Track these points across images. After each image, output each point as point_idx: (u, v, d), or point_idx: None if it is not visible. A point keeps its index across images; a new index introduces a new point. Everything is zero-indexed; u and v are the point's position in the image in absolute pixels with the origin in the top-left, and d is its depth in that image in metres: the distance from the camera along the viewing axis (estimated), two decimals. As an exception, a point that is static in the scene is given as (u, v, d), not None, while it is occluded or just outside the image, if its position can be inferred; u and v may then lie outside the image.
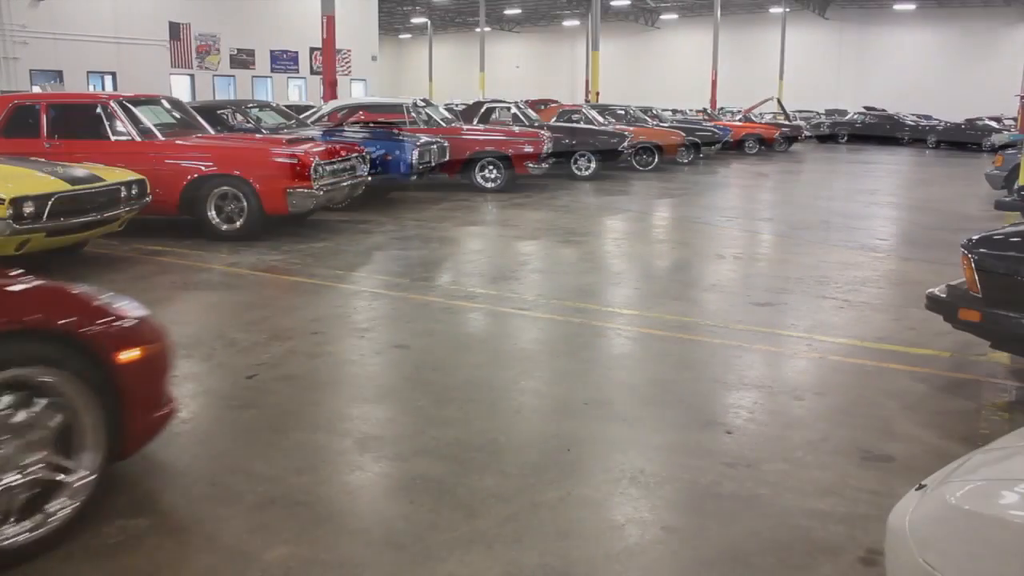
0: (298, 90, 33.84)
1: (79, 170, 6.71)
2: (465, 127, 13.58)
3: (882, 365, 4.46)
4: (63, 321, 2.48)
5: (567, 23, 54.50)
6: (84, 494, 2.57)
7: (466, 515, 2.80)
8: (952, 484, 1.74)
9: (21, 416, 2.41)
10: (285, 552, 2.57)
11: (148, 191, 7.29)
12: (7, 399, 2.38)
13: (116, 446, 2.64)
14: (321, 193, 8.07)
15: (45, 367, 2.41)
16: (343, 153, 8.87)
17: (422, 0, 48.68)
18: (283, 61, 33.46)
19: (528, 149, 12.74)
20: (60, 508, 2.50)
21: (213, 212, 8.07)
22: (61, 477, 2.52)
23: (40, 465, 2.46)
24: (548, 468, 3.16)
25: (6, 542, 2.39)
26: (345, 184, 8.66)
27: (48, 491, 2.51)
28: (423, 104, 13.34)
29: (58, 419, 2.49)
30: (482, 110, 15.86)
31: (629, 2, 46.02)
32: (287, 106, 14.63)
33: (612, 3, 44.91)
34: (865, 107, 33.46)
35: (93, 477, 2.57)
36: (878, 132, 30.58)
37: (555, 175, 14.70)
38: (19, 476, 2.41)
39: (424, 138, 11.31)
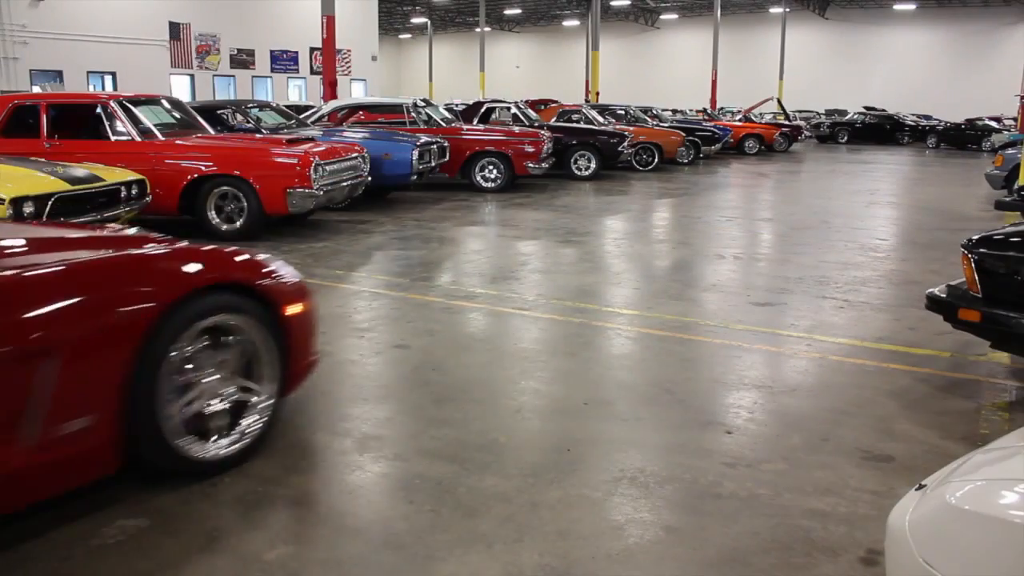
0: (298, 90, 33.85)
1: (79, 170, 6.71)
2: (465, 127, 13.59)
3: (882, 365, 4.46)
4: (251, 278, 3.15)
5: (567, 23, 54.52)
6: (267, 415, 3.22)
7: (466, 515, 2.80)
8: (952, 484, 1.74)
9: (222, 353, 3.06)
10: (285, 552, 2.57)
11: (148, 191, 7.30)
12: (211, 339, 3.01)
13: (283, 383, 3.27)
14: (321, 193, 8.07)
15: (237, 313, 3.07)
16: (343, 153, 8.87)
17: (422, 0, 48.68)
18: (283, 61, 33.46)
19: (528, 149, 12.75)
20: (250, 426, 3.16)
21: (213, 212, 8.07)
22: (250, 399, 3.18)
23: (234, 392, 3.12)
24: (548, 468, 3.16)
25: (215, 454, 3.02)
26: (345, 184, 8.66)
27: (240, 412, 3.15)
28: (423, 104, 13.34)
29: (246, 354, 3.15)
30: (482, 110, 15.86)
31: (629, 2, 46.03)
32: (287, 106, 14.63)
33: (612, 3, 44.93)
34: (865, 107, 33.47)
35: (272, 402, 3.23)
36: (878, 132, 30.60)
37: (555, 175, 14.71)
38: (221, 401, 3.06)
39: (424, 138, 11.32)
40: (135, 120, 8.31)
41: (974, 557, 1.58)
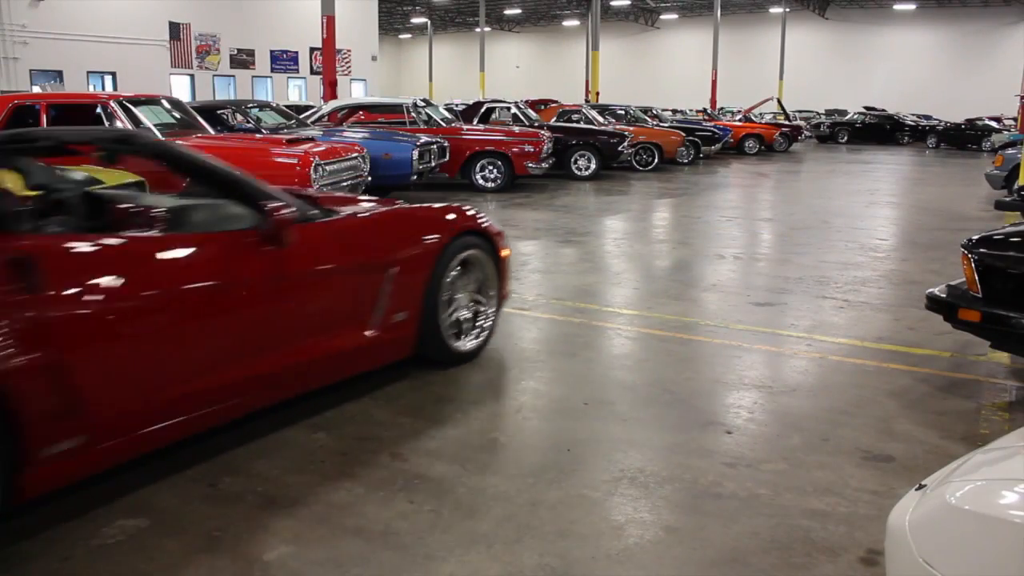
0: (298, 90, 33.85)
1: (77, 172, 6.69)
2: (465, 127, 13.59)
3: (882, 365, 4.46)
4: (485, 228, 4.38)
5: (567, 23, 54.52)
6: (492, 320, 4.48)
7: (466, 515, 2.80)
8: (952, 484, 1.73)
9: (468, 278, 4.33)
10: (285, 552, 2.57)
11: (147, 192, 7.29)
12: (461, 268, 4.21)
13: (498, 302, 4.49)
14: (321, 193, 8.08)
15: (477, 250, 4.31)
16: (343, 153, 8.87)
17: (422, 0, 48.68)
18: (283, 61, 33.46)
19: (528, 149, 12.74)
20: (483, 328, 4.43)
21: (213, 212, 8.06)
22: (482, 310, 4.42)
23: (473, 305, 4.37)
24: (548, 468, 3.16)
25: (465, 347, 4.30)
26: (345, 184, 8.66)
27: (476, 317, 4.39)
28: (423, 104, 13.34)
29: (480, 280, 4.41)
30: (482, 110, 15.86)
31: (629, 2, 46.04)
32: (287, 106, 14.63)
33: (612, 3, 44.94)
34: (865, 107, 33.48)
35: (494, 311, 4.49)
36: (878, 132, 30.61)
37: (555, 175, 14.71)
38: (467, 311, 4.32)
39: (424, 138, 11.31)
40: (135, 120, 8.31)
41: (974, 557, 1.58)
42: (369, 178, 9.45)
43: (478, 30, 41.94)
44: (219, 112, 11.23)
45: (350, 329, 3.68)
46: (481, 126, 14.46)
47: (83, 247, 2.82)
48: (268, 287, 3.29)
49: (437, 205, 4.43)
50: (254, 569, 2.48)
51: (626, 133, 15.88)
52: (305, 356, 3.47)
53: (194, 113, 9.35)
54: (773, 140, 24.10)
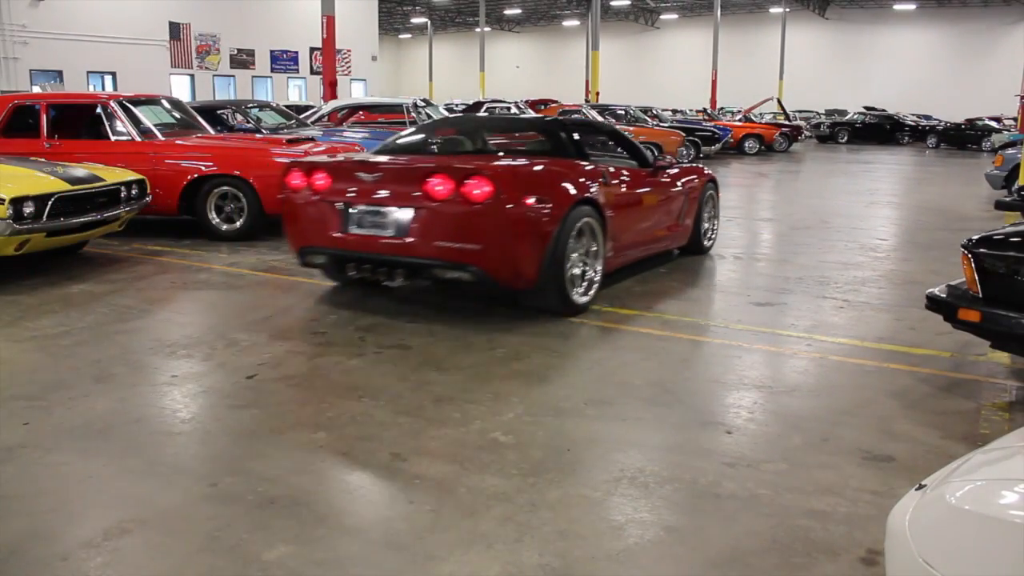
0: (298, 90, 33.88)
1: (79, 170, 6.71)
2: (465, 127, 13.55)
3: (882, 365, 4.46)
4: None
5: (567, 23, 54.55)
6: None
7: (466, 515, 2.80)
8: (952, 484, 1.73)
9: (711, 204, 7.53)
10: (285, 552, 2.57)
11: (148, 191, 7.30)
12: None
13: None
14: (321, 193, 8.06)
15: (714, 189, 7.62)
16: (343, 153, 8.86)
17: (422, 0, 48.69)
18: (283, 61, 33.48)
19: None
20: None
21: (213, 212, 8.07)
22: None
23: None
24: (548, 468, 3.16)
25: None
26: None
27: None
28: (423, 104, 13.34)
29: (712, 206, 7.48)
30: (482, 110, 15.86)
31: (629, 2, 46.05)
32: (287, 106, 14.63)
33: (612, 3, 44.95)
34: (865, 107, 33.50)
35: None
36: (878, 132, 30.62)
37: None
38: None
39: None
40: (135, 120, 8.31)
41: (974, 557, 1.58)
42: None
43: (478, 30, 41.95)
44: (219, 112, 11.24)
45: (674, 221, 6.94)
46: (481, 126, 14.41)
47: (624, 173, 6.21)
48: (654, 196, 6.52)
49: (696, 165, 7.66)
50: (254, 569, 2.48)
51: (626, 133, 15.86)
52: (663, 231, 6.77)
53: (194, 113, 9.35)
54: (773, 140, 24.11)
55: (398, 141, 6.45)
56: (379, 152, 6.13)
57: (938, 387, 4.16)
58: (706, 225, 7.50)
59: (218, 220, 8.08)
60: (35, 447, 3.31)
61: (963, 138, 28.83)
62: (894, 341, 4.94)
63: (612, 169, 5.98)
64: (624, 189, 6.01)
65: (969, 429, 3.61)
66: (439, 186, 4.84)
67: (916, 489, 1.83)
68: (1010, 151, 13.18)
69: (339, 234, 5.24)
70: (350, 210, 5.20)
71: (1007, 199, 9.74)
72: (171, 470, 3.13)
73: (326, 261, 5.62)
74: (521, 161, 5.46)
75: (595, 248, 5.45)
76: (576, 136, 6.02)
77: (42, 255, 6.70)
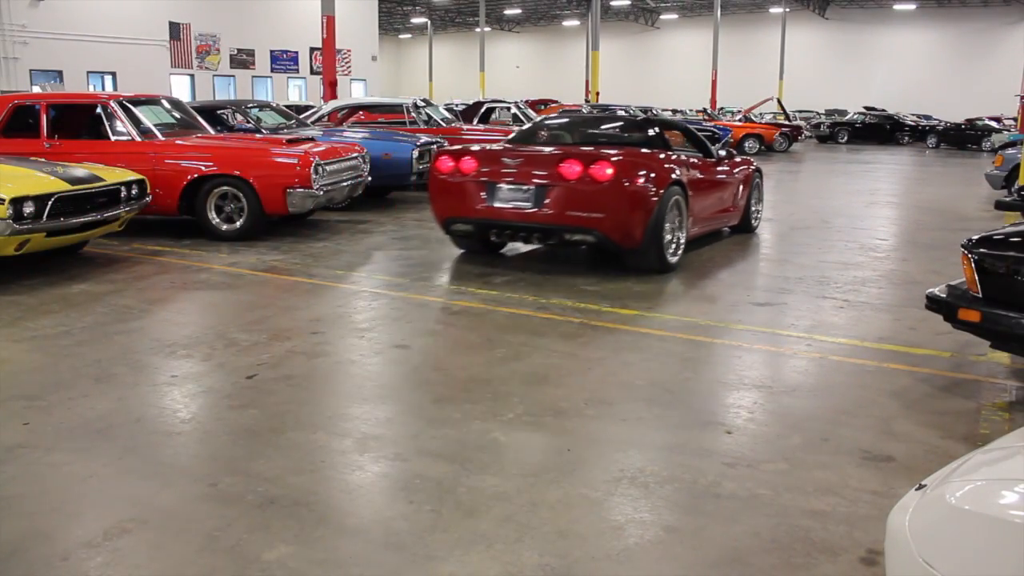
0: (298, 90, 33.87)
1: (79, 170, 6.71)
2: (465, 127, 13.58)
3: (882, 365, 4.47)
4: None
5: (567, 23, 54.54)
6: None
7: (466, 515, 2.80)
8: (952, 484, 1.73)
9: (756, 190, 9.00)
10: (285, 552, 2.57)
11: (148, 191, 7.30)
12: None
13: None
14: (321, 193, 8.07)
15: (759, 177, 9.04)
16: (343, 153, 8.87)
17: (422, 0, 48.68)
18: (283, 61, 33.48)
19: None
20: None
21: (213, 212, 8.07)
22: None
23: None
24: (548, 468, 3.16)
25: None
26: (345, 184, 8.66)
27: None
28: (423, 104, 13.34)
29: (758, 192, 9.07)
30: (482, 110, 15.86)
31: (629, 2, 46.04)
32: (287, 106, 14.63)
33: (612, 3, 44.94)
34: (865, 107, 33.47)
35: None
36: (878, 132, 30.60)
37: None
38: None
39: (424, 138, 11.31)
40: (135, 120, 8.31)
41: (974, 557, 1.58)
42: (369, 178, 9.45)
43: (478, 30, 41.93)
44: (219, 112, 11.23)
45: (732, 202, 8.22)
46: (481, 126, 14.45)
47: (697, 161, 7.42)
48: (719, 181, 7.78)
49: (746, 157, 8.94)
50: (254, 569, 2.48)
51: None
52: (724, 211, 8.05)
53: (194, 113, 9.35)
54: (773, 140, 24.12)
55: (518, 135, 7.97)
56: (510, 142, 7.62)
57: (938, 387, 4.16)
58: (754, 208, 8.92)
59: (218, 220, 8.08)
60: (35, 447, 3.31)
61: (963, 138, 28.81)
62: (894, 341, 4.94)
63: (690, 159, 7.29)
64: (699, 175, 7.30)
65: (969, 429, 3.61)
66: (572, 168, 6.22)
67: (916, 489, 1.83)
68: (1010, 151, 13.17)
69: (484, 206, 6.52)
70: (496, 186, 6.47)
71: (1007, 199, 9.74)
72: (171, 470, 3.13)
73: (471, 229, 6.83)
74: (630, 150, 6.79)
75: (680, 220, 6.80)
76: (661, 131, 7.58)
77: (42, 255, 6.71)
